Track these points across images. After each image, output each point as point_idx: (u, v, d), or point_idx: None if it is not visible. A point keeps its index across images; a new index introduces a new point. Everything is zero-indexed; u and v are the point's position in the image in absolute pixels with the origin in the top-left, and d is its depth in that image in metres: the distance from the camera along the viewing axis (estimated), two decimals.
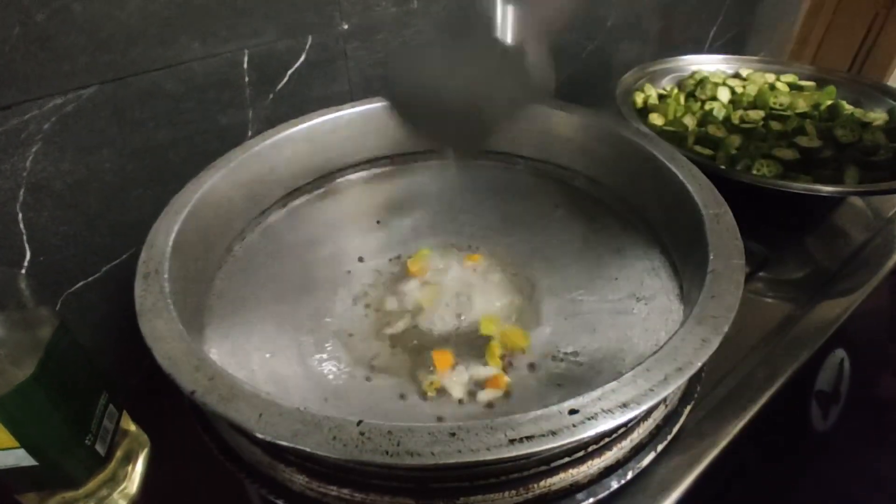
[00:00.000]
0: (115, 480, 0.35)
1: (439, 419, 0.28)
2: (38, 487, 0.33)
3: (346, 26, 0.46)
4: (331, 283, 0.37)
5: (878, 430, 0.34)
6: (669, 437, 0.26)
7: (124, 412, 0.37)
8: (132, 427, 0.38)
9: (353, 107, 0.42)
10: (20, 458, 0.31)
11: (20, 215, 0.36)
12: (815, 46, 1.10)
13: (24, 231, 0.36)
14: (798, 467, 0.37)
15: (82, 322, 0.40)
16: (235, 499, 0.35)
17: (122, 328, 0.43)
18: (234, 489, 0.35)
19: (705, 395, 0.36)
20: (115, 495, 0.35)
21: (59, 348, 0.31)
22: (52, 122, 0.35)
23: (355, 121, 0.42)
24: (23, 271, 0.37)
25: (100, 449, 0.34)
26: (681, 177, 0.35)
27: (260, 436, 0.18)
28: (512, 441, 0.18)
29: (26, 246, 0.37)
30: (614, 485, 0.23)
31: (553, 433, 0.19)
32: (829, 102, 0.60)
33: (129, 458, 0.37)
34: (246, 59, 0.42)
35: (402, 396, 0.30)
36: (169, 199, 0.34)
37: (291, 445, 0.18)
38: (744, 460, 0.35)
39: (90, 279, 0.40)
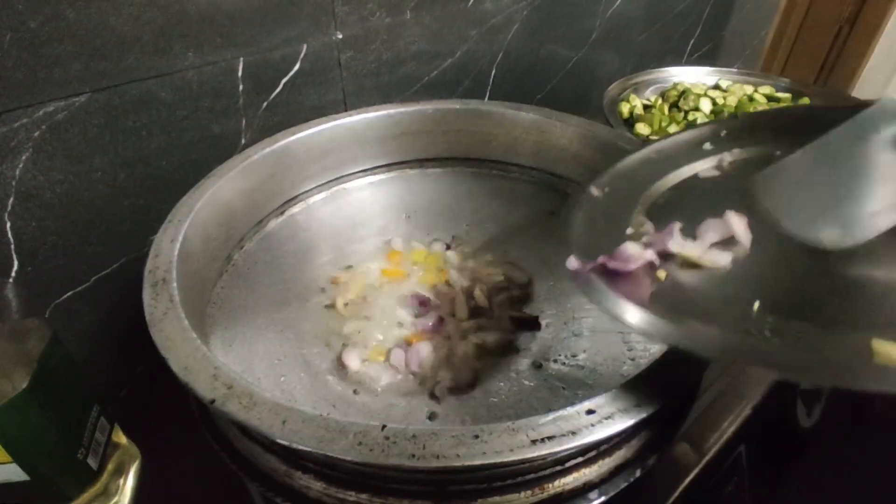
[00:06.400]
0: (106, 494, 0.35)
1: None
2: (29, 503, 0.32)
3: (340, 36, 0.46)
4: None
5: (857, 426, 0.36)
6: (675, 437, 0.27)
7: (115, 425, 0.36)
8: (123, 439, 0.37)
9: (351, 115, 0.42)
10: (12, 473, 0.30)
11: (8, 224, 0.35)
12: (784, 58, 1.14)
13: (12, 240, 0.35)
14: (786, 463, 0.38)
15: (70, 333, 0.40)
16: None
17: (111, 339, 0.43)
18: (225, 501, 0.35)
19: (701, 394, 0.37)
20: None
21: (52, 361, 0.30)
22: (42, 130, 0.34)
23: (354, 129, 0.42)
24: (10, 281, 0.36)
25: (92, 462, 0.33)
26: None
27: (284, 443, 0.18)
28: (534, 441, 0.19)
29: (14, 255, 0.36)
30: (623, 483, 0.24)
31: (573, 433, 0.19)
32: None
33: (121, 471, 0.36)
34: (241, 67, 0.42)
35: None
36: (161, 208, 0.34)
37: (317, 452, 0.18)
38: (738, 456, 0.36)
39: (79, 289, 0.40)
